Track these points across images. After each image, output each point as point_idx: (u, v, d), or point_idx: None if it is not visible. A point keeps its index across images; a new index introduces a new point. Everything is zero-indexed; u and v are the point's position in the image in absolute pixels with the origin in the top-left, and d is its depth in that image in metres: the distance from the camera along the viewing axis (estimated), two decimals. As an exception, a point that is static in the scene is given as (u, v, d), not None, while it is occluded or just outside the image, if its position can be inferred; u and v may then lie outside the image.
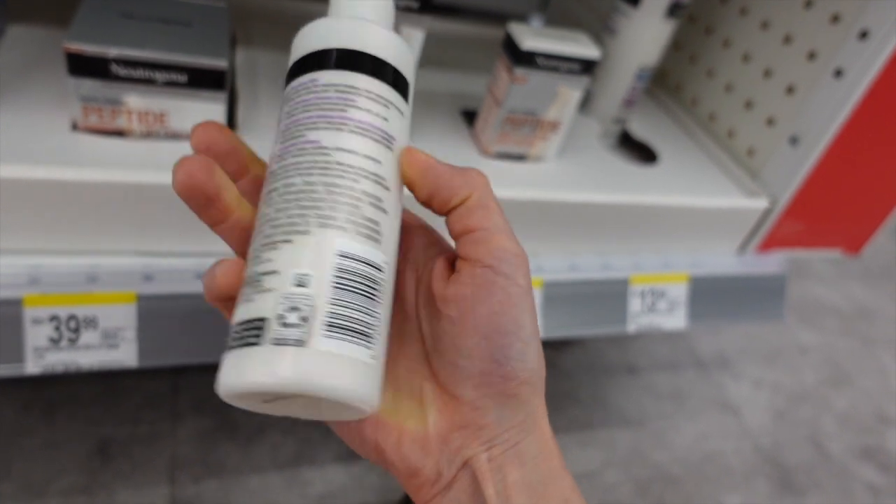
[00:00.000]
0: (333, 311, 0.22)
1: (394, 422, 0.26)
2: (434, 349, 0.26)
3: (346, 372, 0.21)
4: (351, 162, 0.23)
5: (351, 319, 0.22)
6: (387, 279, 0.24)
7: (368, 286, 0.23)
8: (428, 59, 0.54)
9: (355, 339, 0.22)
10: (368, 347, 0.22)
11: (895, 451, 0.90)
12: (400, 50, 0.26)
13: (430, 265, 0.27)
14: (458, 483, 0.25)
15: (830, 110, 0.57)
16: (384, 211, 0.24)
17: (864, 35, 0.54)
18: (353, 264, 0.22)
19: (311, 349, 0.21)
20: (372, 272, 0.23)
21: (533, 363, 0.25)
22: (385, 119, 0.25)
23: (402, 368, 0.27)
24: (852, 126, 0.57)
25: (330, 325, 0.21)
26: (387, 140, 0.25)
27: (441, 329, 0.26)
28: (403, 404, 0.26)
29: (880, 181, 0.66)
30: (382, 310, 0.23)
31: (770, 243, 0.67)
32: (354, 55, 0.25)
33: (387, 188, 0.24)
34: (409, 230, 0.28)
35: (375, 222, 0.23)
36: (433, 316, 0.26)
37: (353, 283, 0.22)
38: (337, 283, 0.22)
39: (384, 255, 0.24)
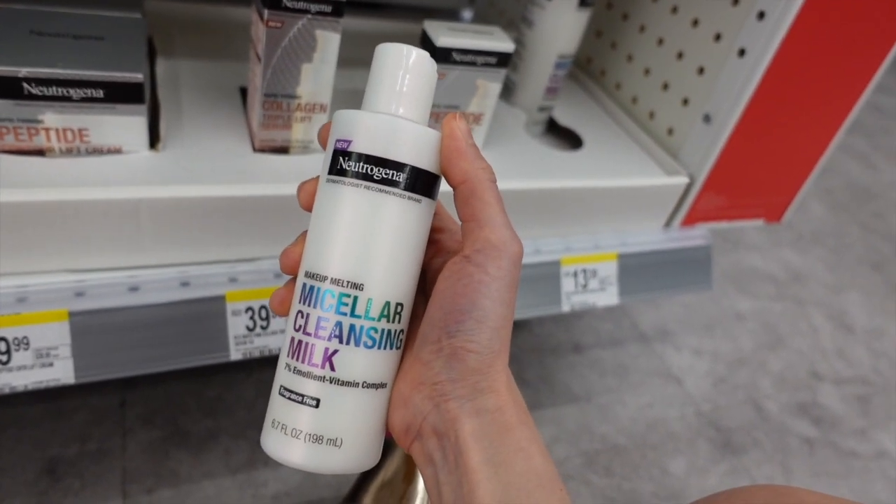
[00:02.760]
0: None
1: None
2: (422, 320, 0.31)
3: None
4: None
5: None
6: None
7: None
8: (346, 59, 0.55)
9: None
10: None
11: (827, 405, 0.95)
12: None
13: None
14: (425, 433, 0.30)
15: (737, 88, 0.60)
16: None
17: (761, 15, 0.57)
18: None
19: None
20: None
21: (483, 340, 0.29)
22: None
23: None
24: (758, 101, 0.61)
25: None
26: None
27: (428, 303, 0.31)
28: None
29: (790, 152, 0.69)
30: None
31: (693, 218, 0.70)
32: None
33: None
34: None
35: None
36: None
37: None
38: None
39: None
